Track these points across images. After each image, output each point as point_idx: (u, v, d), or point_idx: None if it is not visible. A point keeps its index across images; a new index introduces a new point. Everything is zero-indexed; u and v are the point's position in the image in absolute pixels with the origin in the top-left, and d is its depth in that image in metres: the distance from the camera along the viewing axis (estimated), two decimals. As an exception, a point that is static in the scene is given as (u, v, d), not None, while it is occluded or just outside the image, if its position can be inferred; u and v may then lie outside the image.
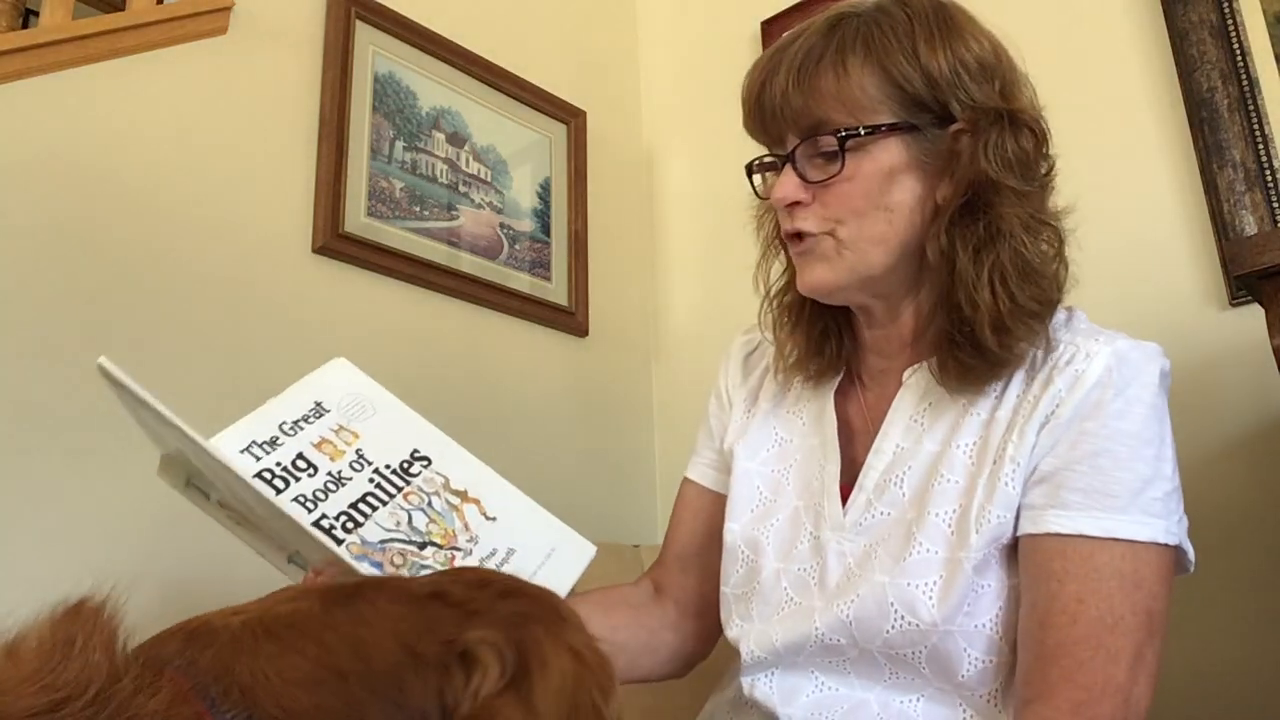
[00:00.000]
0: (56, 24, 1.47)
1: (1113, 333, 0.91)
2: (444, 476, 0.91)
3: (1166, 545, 0.83)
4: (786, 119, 0.92)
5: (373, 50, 1.81)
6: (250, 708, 0.45)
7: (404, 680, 0.48)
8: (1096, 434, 0.84)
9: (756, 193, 1.03)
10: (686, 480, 1.15)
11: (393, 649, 0.49)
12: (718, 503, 1.08)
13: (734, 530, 1.01)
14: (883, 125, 0.89)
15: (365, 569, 0.80)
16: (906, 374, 0.96)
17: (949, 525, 0.87)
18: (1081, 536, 0.82)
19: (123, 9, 1.58)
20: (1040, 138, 0.94)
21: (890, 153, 0.90)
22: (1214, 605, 1.38)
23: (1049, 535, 0.83)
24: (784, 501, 1.00)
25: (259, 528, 0.87)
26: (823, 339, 1.02)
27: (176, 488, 0.89)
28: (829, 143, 0.90)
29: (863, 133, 0.89)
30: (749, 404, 1.09)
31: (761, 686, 0.95)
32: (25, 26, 1.57)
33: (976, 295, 0.87)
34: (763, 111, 0.93)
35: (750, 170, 1.00)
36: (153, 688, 0.45)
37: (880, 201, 0.90)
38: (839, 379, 1.02)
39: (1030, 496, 0.85)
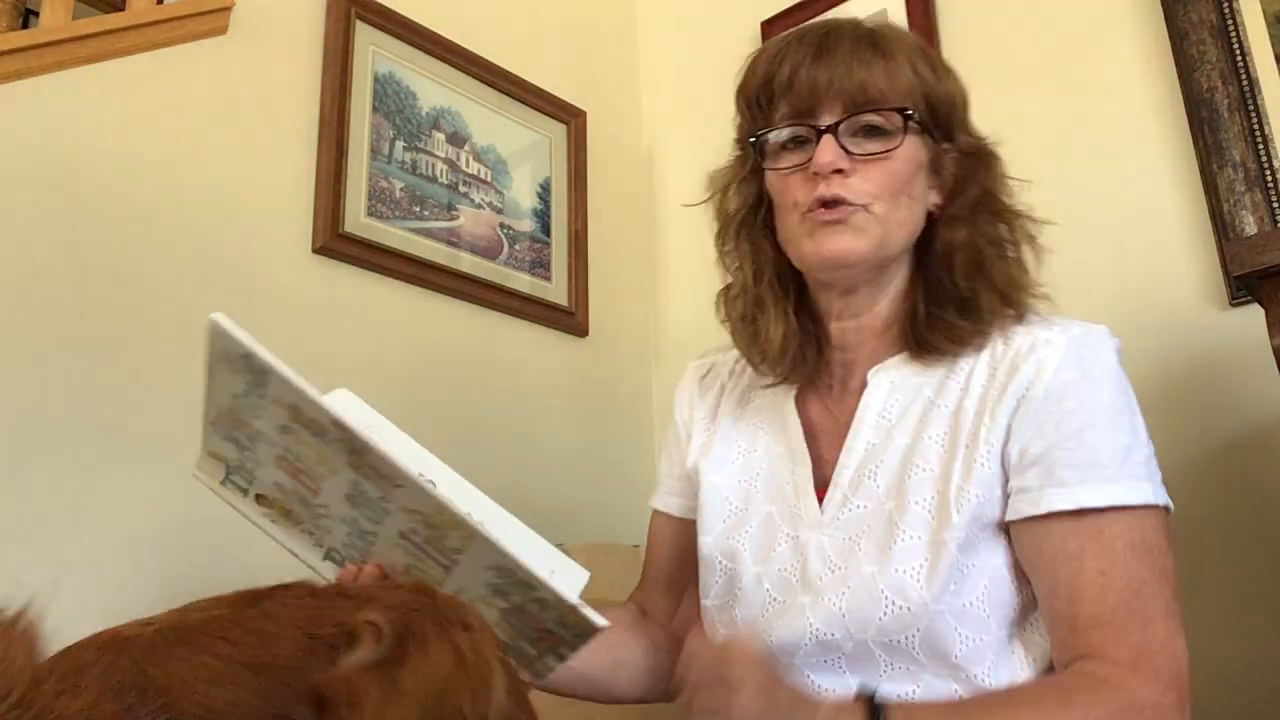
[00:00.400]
0: (56, 24, 1.47)
1: (1065, 320, 0.96)
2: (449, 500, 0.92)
3: (1158, 505, 0.87)
4: (843, 91, 0.94)
5: (373, 50, 1.81)
6: (168, 708, 0.46)
7: (304, 664, 0.50)
8: (1076, 411, 0.88)
9: (760, 164, 1.01)
10: (655, 512, 1.17)
11: (296, 637, 0.50)
12: (687, 528, 1.10)
13: (708, 542, 1.03)
14: (922, 119, 0.96)
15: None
16: (872, 373, 1.00)
17: (929, 511, 0.90)
18: (1084, 511, 0.85)
19: (123, 9, 1.58)
20: (1004, 172, 1.03)
21: (916, 148, 0.97)
22: (1214, 605, 1.37)
23: (1054, 515, 0.86)
24: (755, 509, 1.02)
25: (301, 521, 0.87)
26: (802, 334, 1.03)
27: (211, 484, 0.89)
28: (881, 119, 0.94)
29: (917, 119, 0.95)
30: (708, 421, 1.12)
31: None
32: (25, 26, 1.57)
33: (993, 278, 0.96)
34: (813, 82, 0.95)
35: (761, 142, 1.00)
36: (73, 691, 0.46)
37: (909, 189, 0.96)
38: (797, 387, 1.05)
39: (1024, 479, 0.88)
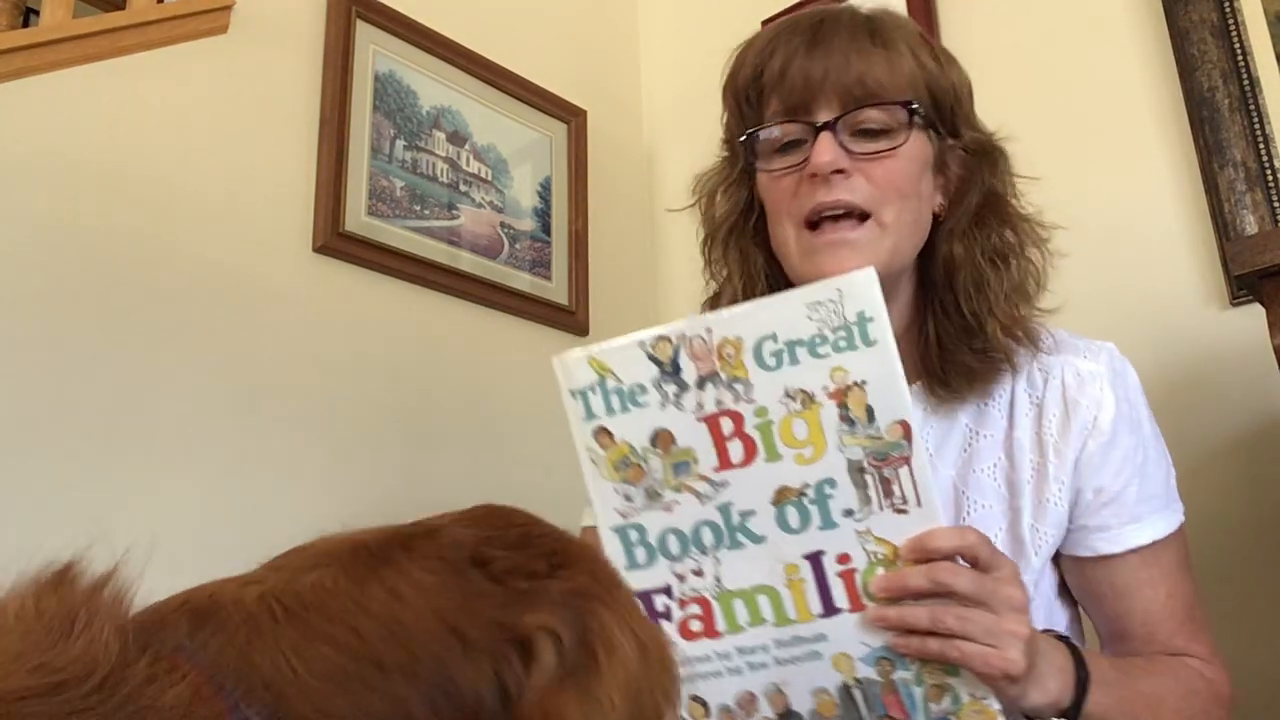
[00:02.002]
0: (57, 23, 1.46)
1: (1088, 341, 0.93)
2: None
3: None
4: (840, 85, 0.86)
5: (373, 49, 1.81)
6: (277, 708, 0.38)
7: (451, 670, 0.41)
8: (1136, 446, 0.89)
9: (752, 167, 0.93)
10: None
11: (436, 633, 0.41)
12: None
13: None
14: (927, 114, 0.89)
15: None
16: None
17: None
18: (1154, 543, 0.88)
19: (123, 8, 1.58)
20: (1010, 167, 0.96)
21: (922, 145, 0.89)
22: (1214, 605, 1.37)
23: (1131, 551, 0.88)
24: None
25: (636, 482, 0.76)
26: None
27: (563, 377, 0.80)
28: (880, 117, 0.86)
29: (921, 114, 0.87)
30: None
31: None
32: (26, 25, 1.57)
33: (994, 299, 0.88)
34: (807, 77, 0.87)
35: (751, 141, 0.92)
36: (169, 677, 0.38)
37: (916, 188, 0.88)
38: None
39: (1100, 518, 0.88)
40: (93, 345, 1.37)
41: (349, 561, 0.44)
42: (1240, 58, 1.53)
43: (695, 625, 0.75)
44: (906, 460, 0.69)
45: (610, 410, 0.76)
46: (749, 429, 0.72)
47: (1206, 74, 1.54)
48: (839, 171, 0.85)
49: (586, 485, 0.77)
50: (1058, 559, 0.92)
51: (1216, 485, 1.41)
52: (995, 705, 0.71)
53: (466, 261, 1.85)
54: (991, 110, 1.78)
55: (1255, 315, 1.29)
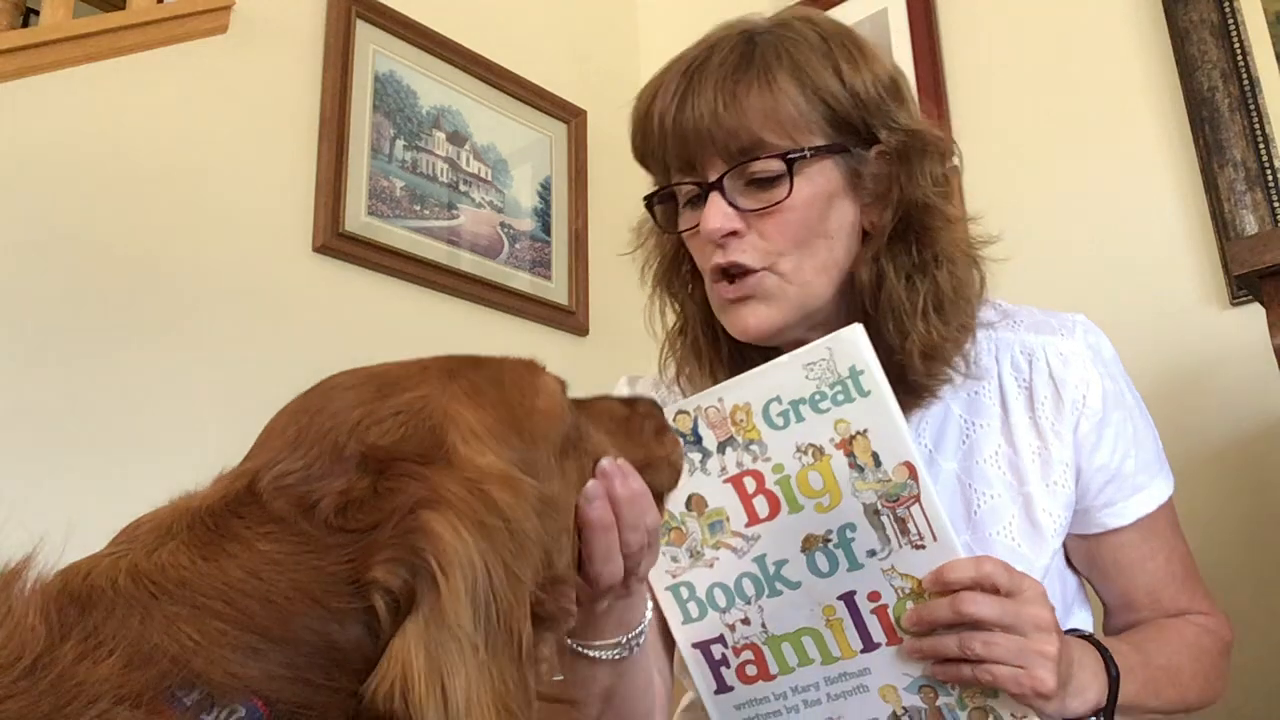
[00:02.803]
0: (57, 23, 1.47)
1: (1059, 317, 0.92)
2: None
3: None
4: (715, 142, 0.83)
5: (373, 49, 1.81)
6: (194, 676, 0.40)
7: (330, 633, 0.43)
8: (1125, 419, 0.89)
9: (660, 226, 0.92)
10: None
11: (303, 604, 0.43)
12: None
13: None
14: (820, 146, 0.83)
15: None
16: None
17: (1014, 539, 0.87)
18: (1153, 513, 0.90)
19: (123, 8, 1.58)
20: (945, 156, 0.90)
21: (827, 176, 0.85)
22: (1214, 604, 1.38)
23: (1135, 523, 0.89)
24: None
25: (681, 542, 0.82)
26: None
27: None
28: (765, 167, 0.82)
29: (808, 154, 0.83)
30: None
31: None
32: (26, 25, 1.57)
33: (909, 324, 0.84)
34: (682, 134, 0.84)
35: (651, 203, 0.91)
36: (96, 654, 0.39)
37: (821, 228, 0.85)
38: None
39: (1106, 495, 0.89)
40: (92, 344, 1.37)
41: (189, 537, 0.45)
42: (1240, 58, 1.53)
43: (751, 670, 0.81)
44: (916, 499, 0.73)
45: None
46: (770, 485, 0.78)
47: (1206, 74, 1.54)
48: (732, 233, 0.83)
49: None
50: None
51: (1216, 485, 1.41)
52: None
53: (466, 261, 1.85)
54: (992, 110, 1.79)
55: (1255, 315, 1.29)
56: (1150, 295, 1.53)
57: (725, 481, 0.79)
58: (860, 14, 1.99)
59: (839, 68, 0.84)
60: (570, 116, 2.12)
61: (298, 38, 1.72)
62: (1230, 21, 1.54)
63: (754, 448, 0.78)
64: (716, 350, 0.93)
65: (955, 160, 0.93)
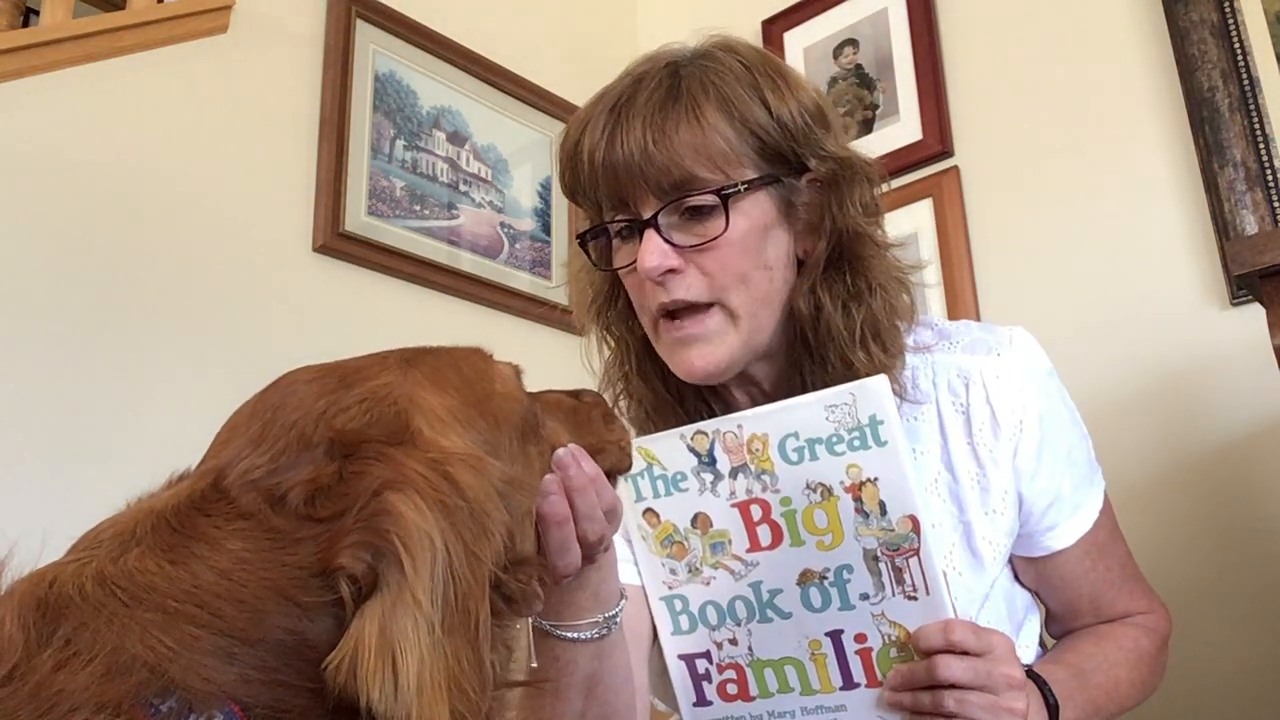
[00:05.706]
0: (57, 23, 1.47)
1: (996, 333, 0.90)
2: None
3: None
4: (647, 179, 0.81)
5: (373, 49, 1.81)
6: (170, 684, 0.40)
7: (302, 630, 0.44)
8: (1061, 439, 0.90)
9: (595, 264, 0.91)
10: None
11: (276, 602, 0.43)
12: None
13: None
14: (753, 179, 0.83)
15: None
16: None
17: (955, 569, 0.87)
18: (1090, 529, 0.91)
19: (123, 8, 1.58)
20: (874, 182, 0.89)
21: (761, 207, 0.84)
22: (1214, 604, 1.37)
23: (1075, 542, 0.91)
24: None
25: (681, 557, 0.84)
26: (696, 413, 0.91)
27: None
28: (700, 202, 0.81)
29: (742, 188, 0.82)
30: None
31: None
32: (26, 25, 1.57)
33: (850, 353, 0.84)
34: (613, 172, 0.83)
35: (584, 241, 0.90)
36: (74, 662, 0.39)
37: (759, 260, 0.84)
38: None
39: (1048, 519, 0.89)
40: (92, 344, 1.38)
41: (155, 540, 0.45)
42: (1240, 58, 1.53)
43: (731, 689, 0.84)
44: (916, 552, 0.76)
45: (656, 493, 0.84)
46: (775, 516, 0.80)
47: (1206, 74, 1.54)
48: (670, 270, 0.82)
49: (637, 556, 0.86)
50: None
51: (1216, 484, 1.41)
52: None
53: (467, 261, 1.85)
54: (991, 111, 1.79)
55: (1255, 315, 1.29)
56: (1150, 295, 1.53)
57: (732, 505, 0.81)
58: (860, 14, 1.99)
59: (765, 98, 0.84)
60: (570, 116, 2.12)
61: (298, 38, 1.72)
62: (1230, 21, 1.54)
63: (765, 478, 0.80)
64: (654, 385, 0.92)
65: (884, 186, 0.91)
